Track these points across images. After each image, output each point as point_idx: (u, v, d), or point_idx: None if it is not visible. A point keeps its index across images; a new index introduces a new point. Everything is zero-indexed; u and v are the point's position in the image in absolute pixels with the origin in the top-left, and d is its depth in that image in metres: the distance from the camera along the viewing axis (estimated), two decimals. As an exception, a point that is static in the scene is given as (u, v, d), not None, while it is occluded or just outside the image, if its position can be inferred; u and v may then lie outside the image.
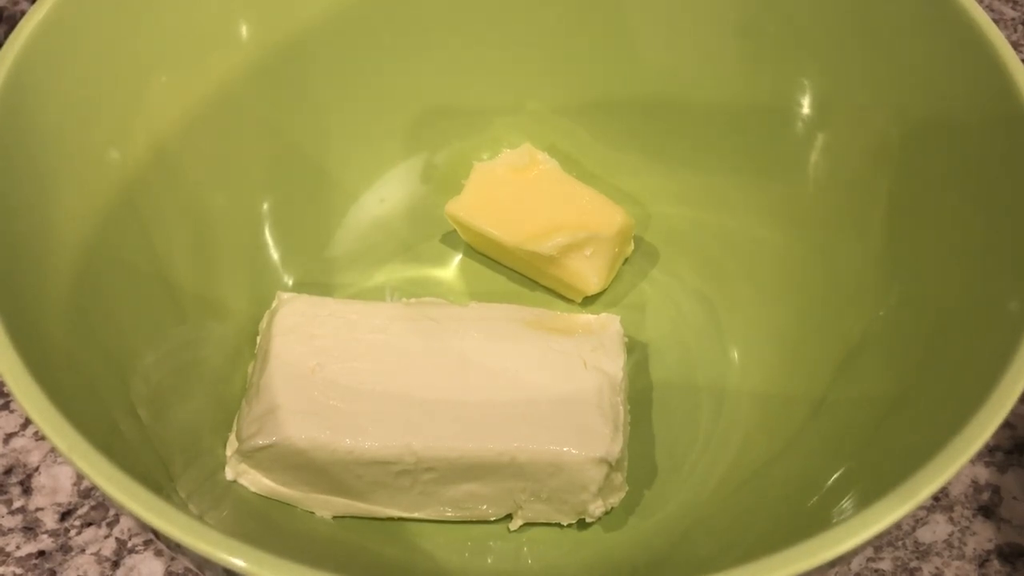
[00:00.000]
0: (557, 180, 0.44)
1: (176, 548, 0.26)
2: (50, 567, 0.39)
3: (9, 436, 0.42)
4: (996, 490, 0.41)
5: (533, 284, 0.45)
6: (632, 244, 0.45)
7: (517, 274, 0.45)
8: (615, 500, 0.38)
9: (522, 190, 0.44)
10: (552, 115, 0.46)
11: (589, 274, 0.43)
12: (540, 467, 0.36)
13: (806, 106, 0.40)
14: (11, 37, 0.33)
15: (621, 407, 0.37)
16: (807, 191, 0.41)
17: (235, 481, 0.37)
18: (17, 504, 0.40)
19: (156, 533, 0.25)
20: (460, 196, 0.44)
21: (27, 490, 0.40)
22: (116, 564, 0.39)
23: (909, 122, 0.36)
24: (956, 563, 0.39)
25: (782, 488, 0.36)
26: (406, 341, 0.38)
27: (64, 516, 0.40)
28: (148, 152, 0.38)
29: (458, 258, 0.46)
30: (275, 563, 0.23)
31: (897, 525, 0.30)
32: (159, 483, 0.32)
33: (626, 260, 0.45)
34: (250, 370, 0.40)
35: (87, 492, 0.41)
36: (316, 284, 0.44)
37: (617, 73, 0.44)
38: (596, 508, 0.37)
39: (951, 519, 0.40)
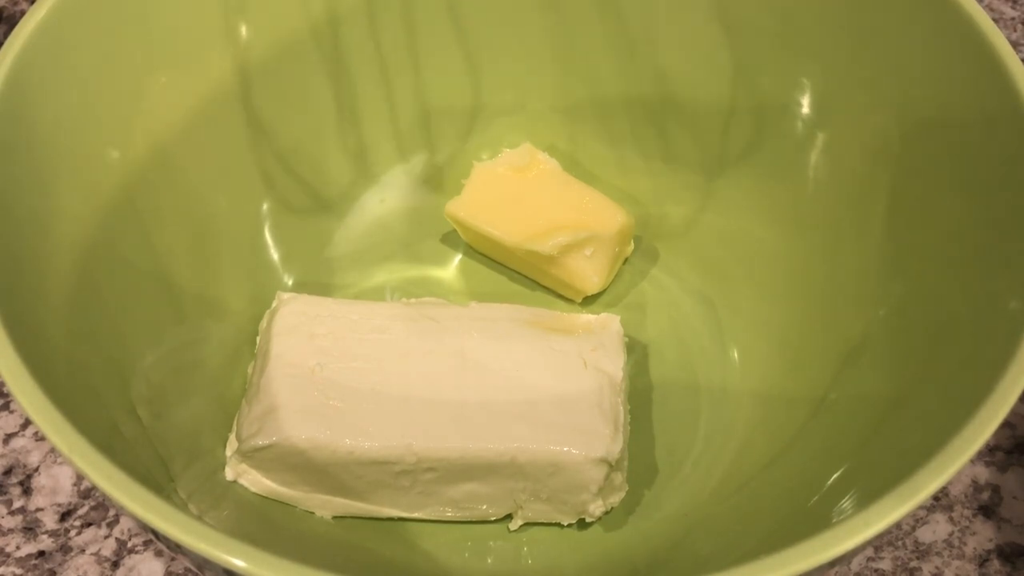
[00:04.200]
0: (557, 180, 0.44)
1: (176, 548, 0.26)
2: (50, 567, 0.39)
3: (9, 436, 0.42)
4: (996, 490, 0.41)
5: (533, 284, 0.45)
6: (632, 244, 0.45)
7: (517, 274, 0.45)
8: (615, 500, 0.38)
9: (522, 190, 0.44)
10: (552, 115, 0.46)
11: (589, 274, 0.43)
12: (540, 467, 0.36)
13: (806, 106, 0.40)
14: (11, 37, 0.33)
15: (621, 407, 0.37)
16: (807, 191, 0.41)
17: (235, 481, 0.37)
18: (17, 504, 0.40)
19: (156, 533, 0.25)
20: (460, 196, 0.44)
21: (27, 490, 0.40)
22: (116, 564, 0.39)
23: (909, 122, 0.36)
24: (956, 563, 0.39)
25: (782, 488, 0.36)
26: (406, 341, 0.38)
27: (64, 516, 0.40)
28: (148, 152, 0.38)
29: (458, 258, 0.46)
30: (275, 563, 0.23)
31: (897, 525, 0.30)
32: (159, 483, 0.32)
33: (626, 260, 0.45)
34: (250, 370, 0.40)
35: (87, 492, 0.41)
36: (316, 284, 0.44)
37: (617, 73, 0.44)
38: (596, 508, 0.37)
39: (951, 519, 0.40)
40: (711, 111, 0.43)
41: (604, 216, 0.43)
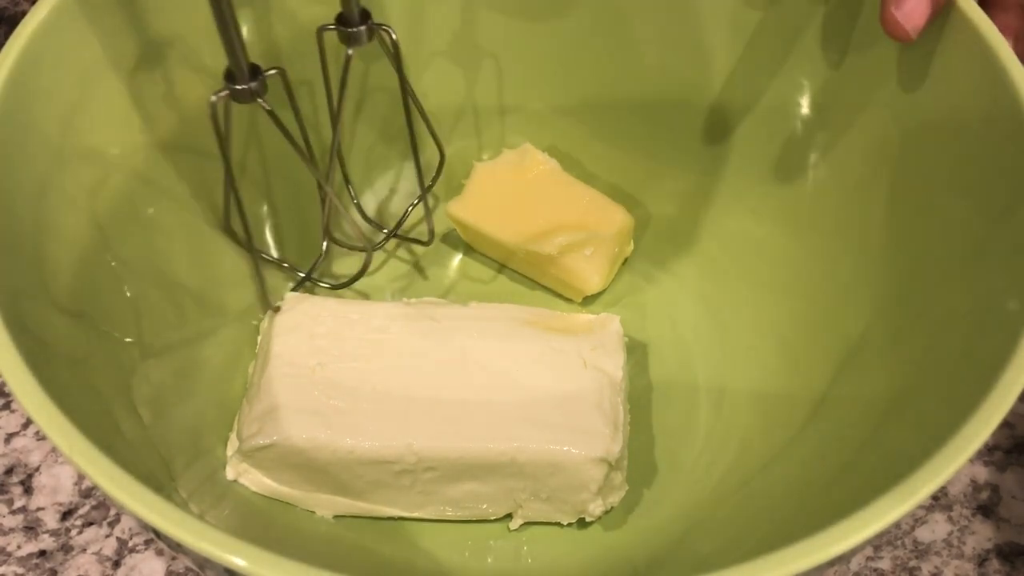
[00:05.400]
0: (557, 180, 0.44)
1: (177, 548, 0.26)
2: (51, 567, 0.39)
3: (10, 436, 0.42)
4: (995, 489, 0.41)
5: (533, 284, 0.45)
6: (632, 244, 0.45)
7: (517, 274, 0.46)
8: (615, 499, 0.38)
9: (522, 190, 0.44)
10: (552, 115, 0.46)
11: (589, 273, 0.43)
12: (540, 467, 0.36)
13: (806, 106, 0.40)
14: (12, 38, 0.33)
15: (621, 407, 0.38)
16: (807, 191, 0.41)
17: (236, 480, 0.37)
18: (18, 504, 0.40)
19: (157, 532, 0.25)
20: (460, 196, 0.44)
21: (28, 490, 0.41)
22: (117, 564, 0.39)
23: (909, 122, 0.36)
24: (955, 562, 0.39)
25: (781, 487, 0.36)
26: (407, 341, 0.39)
27: (65, 516, 0.40)
28: (148, 152, 0.38)
29: (458, 258, 0.46)
30: (276, 562, 0.23)
31: (896, 524, 0.30)
32: (160, 482, 0.32)
33: (626, 260, 0.45)
34: (251, 370, 0.40)
35: (88, 492, 0.41)
36: (316, 284, 0.44)
37: (617, 73, 0.44)
38: (596, 507, 0.37)
39: (950, 518, 0.41)
40: (711, 111, 0.43)
41: (604, 216, 0.43)
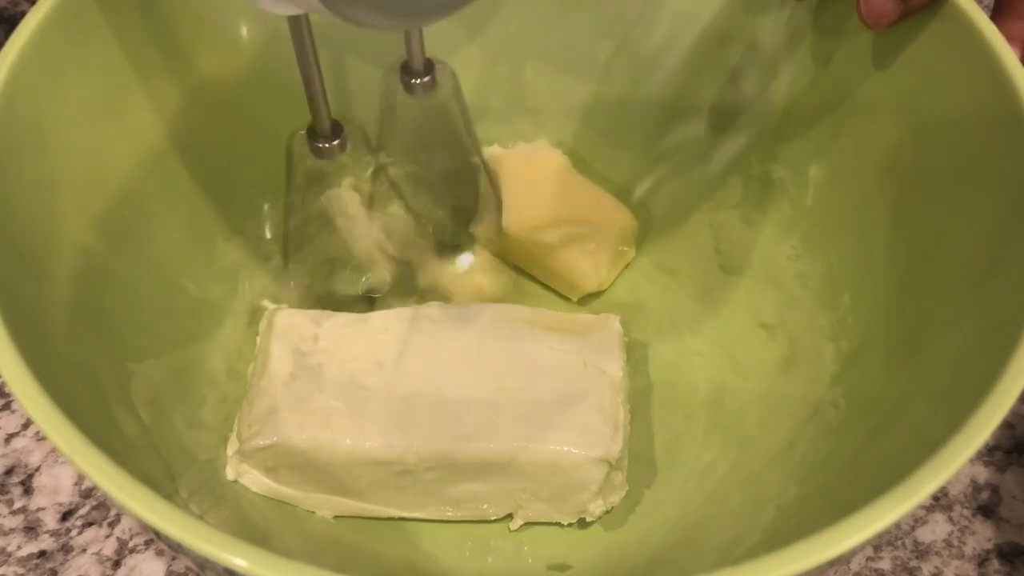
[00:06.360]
0: (566, 176, 0.45)
1: (177, 548, 0.26)
2: (51, 567, 0.39)
3: (10, 436, 0.42)
4: (995, 489, 0.41)
5: (532, 284, 0.45)
6: (634, 249, 0.45)
7: (517, 274, 0.46)
8: (615, 499, 0.38)
9: (530, 182, 0.44)
10: (558, 115, 0.46)
11: (589, 270, 0.43)
12: (540, 467, 0.36)
13: (806, 107, 0.40)
14: (11, 38, 0.33)
15: (621, 407, 0.38)
16: (807, 192, 0.41)
17: (236, 481, 0.37)
18: (18, 504, 0.40)
19: (157, 533, 0.25)
20: None
21: (28, 490, 0.41)
22: (117, 564, 0.39)
23: (911, 124, 0.36)
24: (955, 562, 0.39)
25: (781, 487, 0.36)
26: (407, 341, 0.38)
27: (65, 516, 0.40)
28: (148, 152, 0.38)
29: (458, 258, 0.46)
30: (276, 562, 0.23)
31: (896, 524, 0.29)
32: (160, 483, 0.32)
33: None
34: (250, 370, 0.40)
35: (88, 492, 0.41)
36: (317, 284, 0.44)
37: (622, 75, 0.44)
38: (596, 507, 0.37)
39: (950, 518, 0.41)
40: (713, 112, 0.43)
41: (607, 214, 0.43)
